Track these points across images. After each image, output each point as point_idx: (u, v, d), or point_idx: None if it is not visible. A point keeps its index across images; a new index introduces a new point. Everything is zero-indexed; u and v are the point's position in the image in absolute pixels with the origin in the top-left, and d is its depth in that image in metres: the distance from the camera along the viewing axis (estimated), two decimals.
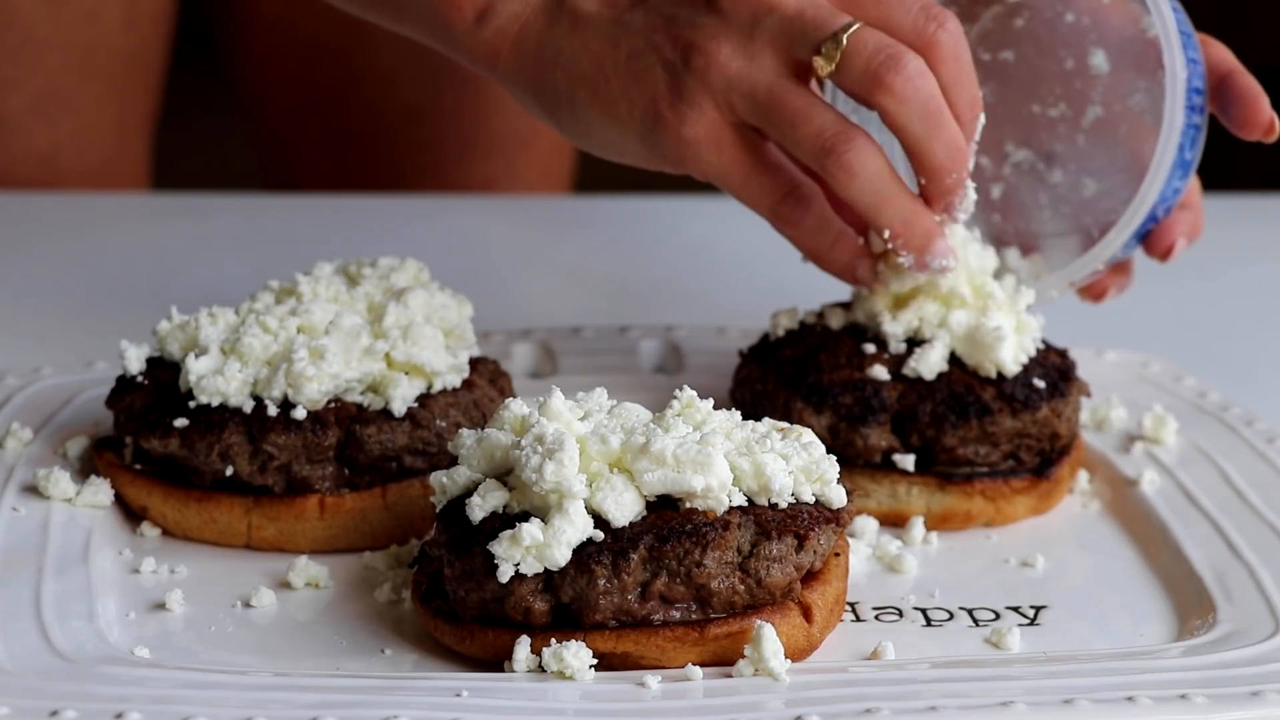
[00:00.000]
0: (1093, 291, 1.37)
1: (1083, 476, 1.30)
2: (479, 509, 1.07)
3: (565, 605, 1.05)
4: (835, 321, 1.32)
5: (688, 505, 1.06)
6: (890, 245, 1.24)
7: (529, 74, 1.27)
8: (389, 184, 1.99)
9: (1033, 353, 1.27)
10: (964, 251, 1.27)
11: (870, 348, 1.28)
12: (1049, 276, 1.35)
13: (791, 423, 1.16)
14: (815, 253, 1.26)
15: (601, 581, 1.03)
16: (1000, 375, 1.26)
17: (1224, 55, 1.32)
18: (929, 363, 1.26)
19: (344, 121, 2.00)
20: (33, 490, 1.21)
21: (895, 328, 1.27)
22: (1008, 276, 1.35)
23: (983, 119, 1.24)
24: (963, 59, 1.21)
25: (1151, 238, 1.32)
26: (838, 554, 1.11)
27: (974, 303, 1.27)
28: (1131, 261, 1.38)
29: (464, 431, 1.11)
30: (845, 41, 1.18)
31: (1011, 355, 1.25)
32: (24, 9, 1.81)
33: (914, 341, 1.28)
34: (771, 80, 1.20)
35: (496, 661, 1.06)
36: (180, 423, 1.19)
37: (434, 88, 1.94)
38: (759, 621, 1.04)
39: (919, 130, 1.20)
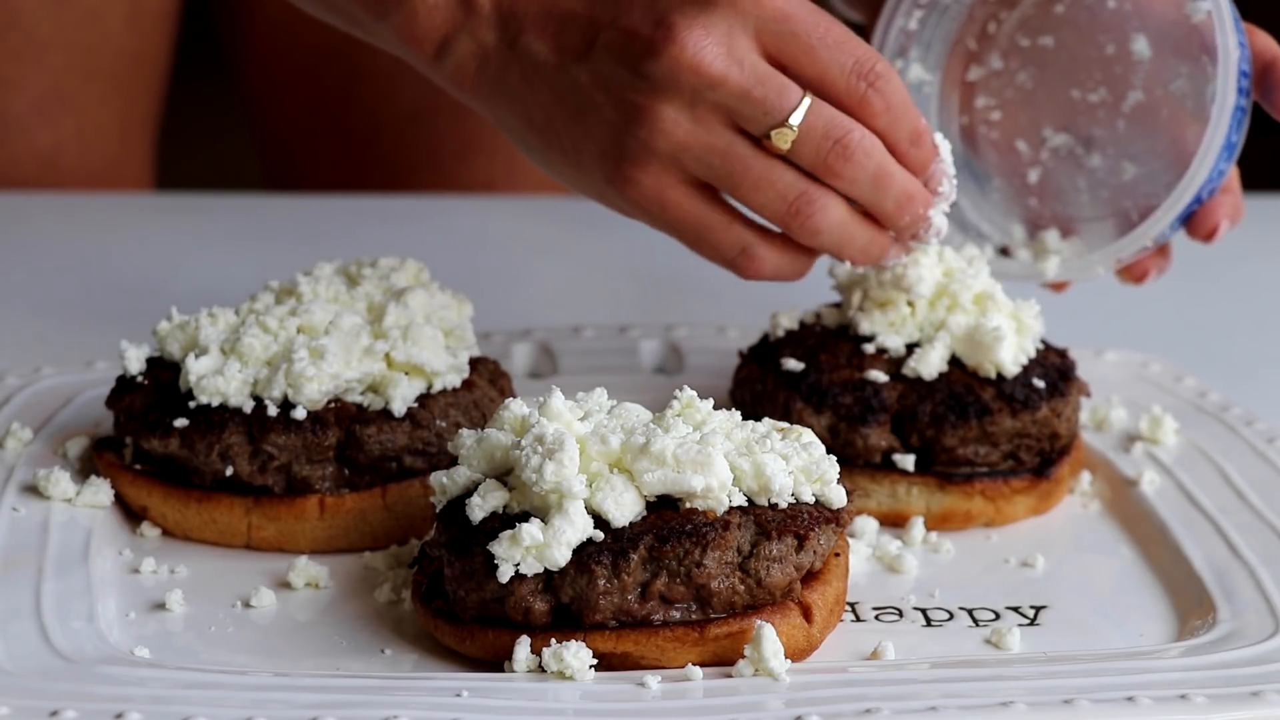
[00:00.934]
0: (1134, 273, 1.38)
1: (1083, 477, 1.30)
2: (479, 509, 1.07)
3: (565, 605, 1.05)
4: (832, 321, 1.32)
5: (688, 505, 1.06)
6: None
7: (494, 107, 1.26)
8: (391, 184, 1.99)
9: (1032, 353, 1.27)
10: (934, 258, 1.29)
11: (870, 348, 1.28)
12: (1095, 254, 1.36)
13: (791, 423, 1.16)
14: (776, 280, 1.26)
15: (601, 581, 1.03)
16: (1000, 375, 1.26)
17: (1268, 44, 1.33)
18: (929, 363, 1.26)
19: (346, 122, 2.00)
20: (33, 490, 1.21)
21: (894, 340, 1.27)
22: (1052, 257, 1.36)
23: (943, 145, 1.24)
24: (895, 107, 1.21)
25: (1195, 220, 1.34)
26: (838, 554, 1.11)
27: (972, 309, 1.27)
28: (1170, 245, 1.38)
29: (464, 431, 1.11)
30: (797, 131, 1.18)
31: (1011, 355, 1.25)
32: (27, 9, 1.81)
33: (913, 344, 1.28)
34: (726, 144, 1.19)
35: (496, 661, 1.06)
36: (180, 423, 1.19)
37: (436, 88, 1.92)
38: (759, 621, 1.04)
39: (869, 196, 1.21)
